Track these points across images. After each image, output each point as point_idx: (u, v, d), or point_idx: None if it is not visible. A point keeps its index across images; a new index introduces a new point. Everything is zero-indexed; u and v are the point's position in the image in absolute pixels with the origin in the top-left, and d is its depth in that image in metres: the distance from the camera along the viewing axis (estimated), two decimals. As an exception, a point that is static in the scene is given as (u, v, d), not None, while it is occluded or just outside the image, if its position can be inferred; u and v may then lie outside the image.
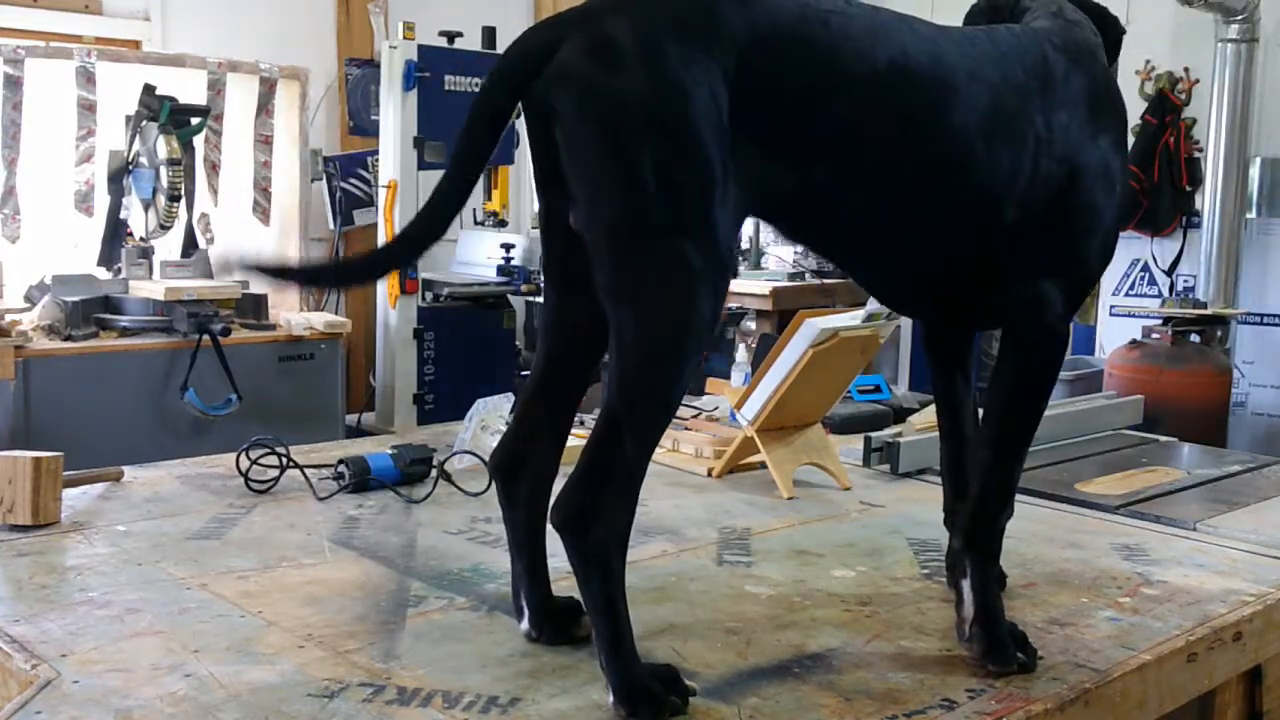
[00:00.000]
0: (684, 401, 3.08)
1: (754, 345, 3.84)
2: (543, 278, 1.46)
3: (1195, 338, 5.06)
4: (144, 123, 4.31)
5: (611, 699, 1.28)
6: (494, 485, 1.53)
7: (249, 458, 2.17)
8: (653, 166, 1.24)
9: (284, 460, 2.19)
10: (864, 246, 1.51)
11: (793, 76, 1.33)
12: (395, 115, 4.85)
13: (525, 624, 1.49)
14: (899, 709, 1.31)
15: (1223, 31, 5.34)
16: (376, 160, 5.21)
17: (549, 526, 1.36)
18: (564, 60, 1.26)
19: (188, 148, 4.42)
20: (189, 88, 4.66)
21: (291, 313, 4.74)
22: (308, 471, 2.19)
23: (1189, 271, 5.69)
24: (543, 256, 1.44)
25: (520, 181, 5.98)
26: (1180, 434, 2.91)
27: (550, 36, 1.28)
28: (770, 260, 6.62)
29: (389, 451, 2.24)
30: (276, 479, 2.17)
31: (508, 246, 5.14)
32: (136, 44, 4.98)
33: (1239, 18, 5.28)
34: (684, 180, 1.26)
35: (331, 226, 5.55)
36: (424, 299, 5.02)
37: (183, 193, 4.33)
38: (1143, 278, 5.91)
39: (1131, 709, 1.44)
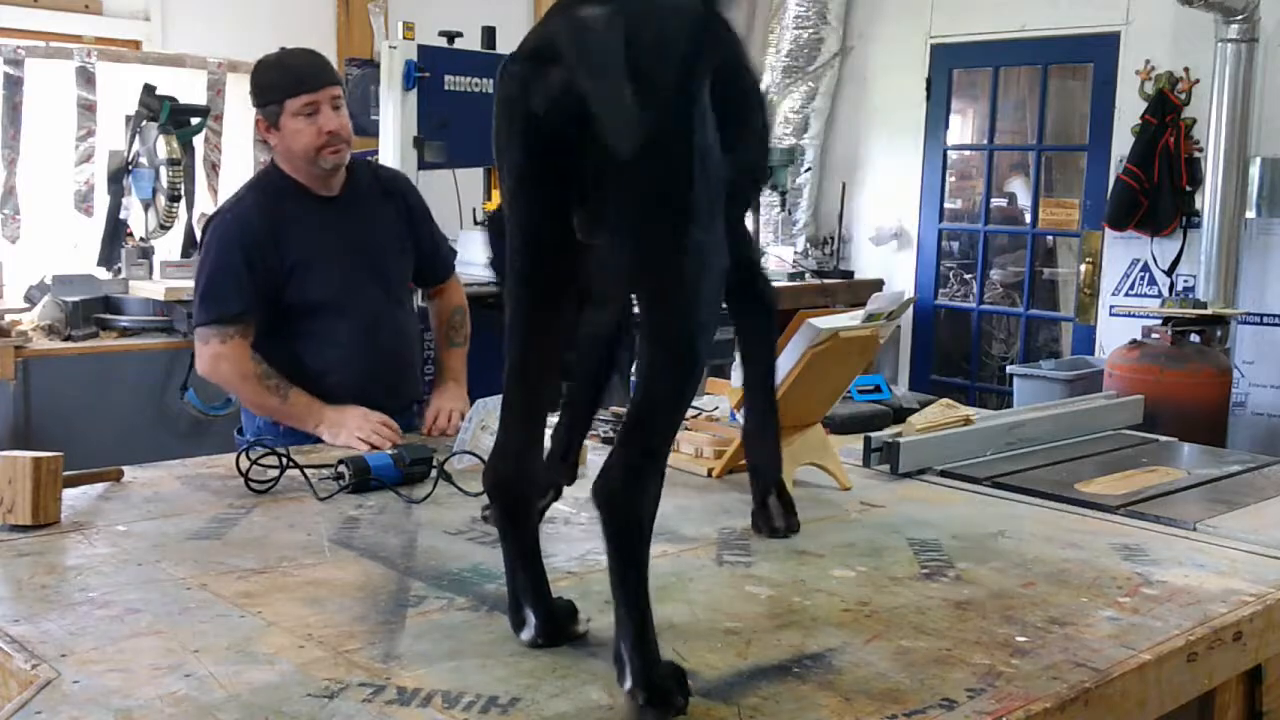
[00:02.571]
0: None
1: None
2: (509, 290, 1.42)
3: (1195, 338, 5.06)
4: (144, 123, 4.31)
5: (630, 684, 1.28)
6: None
7: (249, 458, 2.17)
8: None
9: (284, 460, 2.19)
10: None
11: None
12: (395, 115, 4.85)
13: (529, 634, 1.47)
14: (899, 709, 1.31)
15: (1223, 31, 5.33)
16: (376, 160, 5.21)
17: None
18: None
19: (188, 148, 4.42)
20: (189, 88, 4.66)
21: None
22: (308, 471, 2.19)
23: (1189, 271, 5.68)
24: (518, 267, 1.40)
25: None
26: (1180, 434, 2.91)
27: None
28: (770, 260, 6.62)
29: (389, 451, 2.24)
30: (276, 479, 2.17)
31: (508, 247, 5.12)
32: (136, 44, 4.98)
33: (1239, 18, 5.28)
34: (713, 175, 1.31)
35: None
36: (423, 299, 5.01)
37: (183, 193, 4.33)
38: (1143, 278, 5.91)
39: (1131, 709, 1.45)
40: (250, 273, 2.59)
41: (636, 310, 1.36)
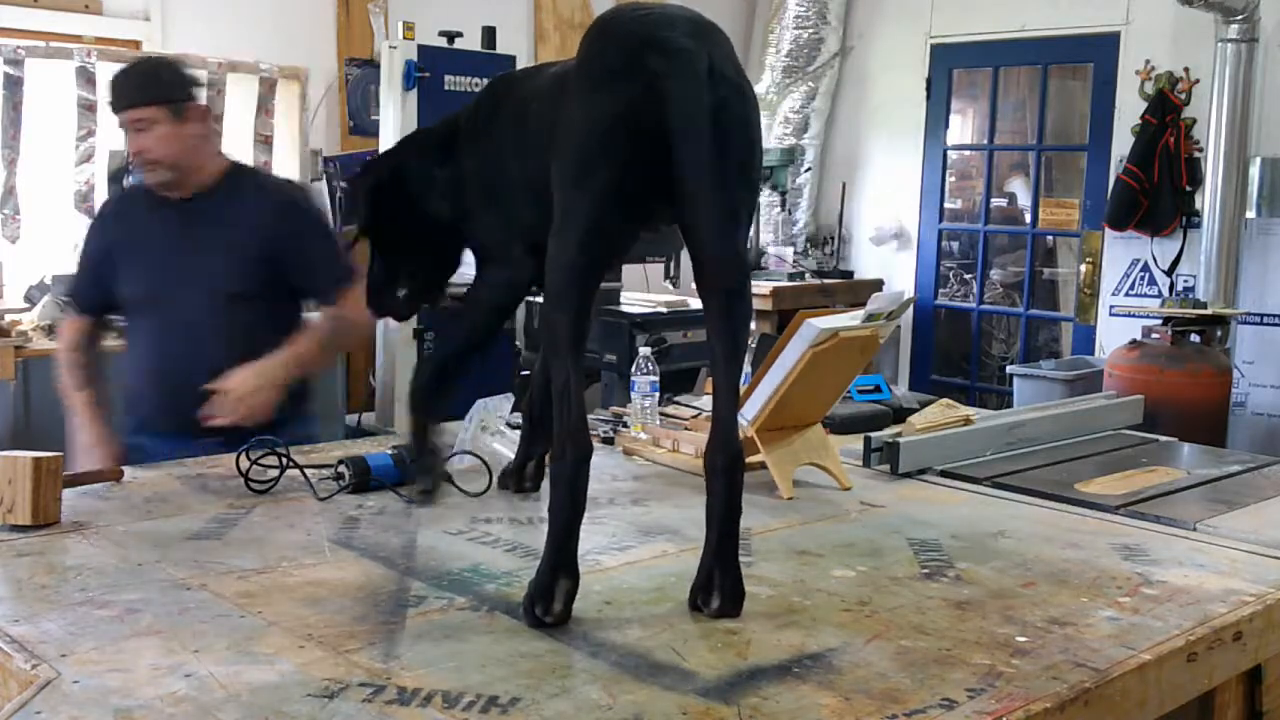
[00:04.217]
0: (684, 402, 3.08)
1: (754, 345, 3.83)
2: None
3: (1195, 338, 5.06)
4: (144, 123, 4.30)
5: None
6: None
7: (249, 458, 2.17)
8: None
9: (284, 460, 2.19)
10: None
11: None
12: (395, 115, 4.85)
13: (561, 602, 1.52)
14: (899, 709, 1.31)
15: (1223, 31, 5.33)
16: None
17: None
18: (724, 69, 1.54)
19: (188, 148, 4.41)
20: (189, 88, 4.65)
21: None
22: (308, 471, 2.19)
23: (1189, 271, 5.69)
24: (594, 253, 1.56)
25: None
26: (1180, 434, 2.91)
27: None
28: (770, 260, 6.62)
29: (389, 451, 2.24)
30: (276, 479, 2.17)
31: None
32: (136, 44, 4.98)
33: (1239, 18, 5.28)
34: None
35: (332, 227, 5.54)
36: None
37: (182, 193, 4.32)
38: (1143, 278, 5.91)
39: (1131, 709, 1.45)
40: (90, 259, 2.78)
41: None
